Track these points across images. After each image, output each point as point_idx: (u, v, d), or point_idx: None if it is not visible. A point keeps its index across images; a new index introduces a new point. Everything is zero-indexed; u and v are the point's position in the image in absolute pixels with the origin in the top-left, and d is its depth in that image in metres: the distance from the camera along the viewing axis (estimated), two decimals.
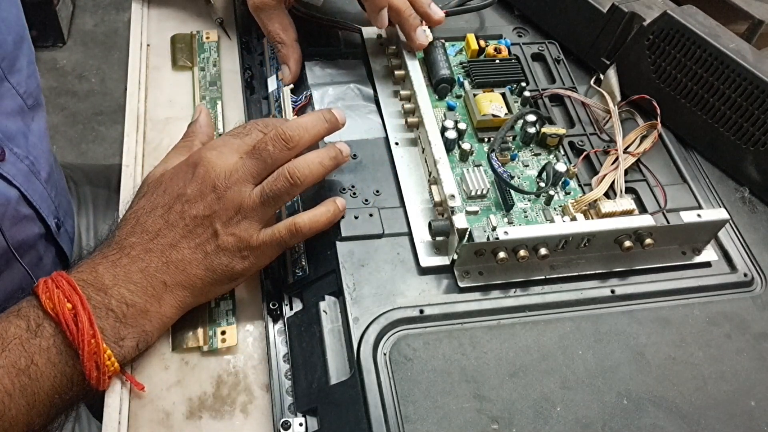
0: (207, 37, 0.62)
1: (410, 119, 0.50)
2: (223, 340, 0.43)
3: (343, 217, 0.44)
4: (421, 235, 0.44)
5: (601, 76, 0.55)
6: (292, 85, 0.53)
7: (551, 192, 0.47)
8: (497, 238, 0.41)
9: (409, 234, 0.45)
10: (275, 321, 0.44)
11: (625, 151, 0.49)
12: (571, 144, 0.51)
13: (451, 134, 0.48)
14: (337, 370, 0.40)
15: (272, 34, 0.53)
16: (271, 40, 0.53)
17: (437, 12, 0.53)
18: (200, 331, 0.44)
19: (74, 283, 0.39)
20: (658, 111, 0.51)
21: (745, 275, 0.46)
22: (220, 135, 0.53)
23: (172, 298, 0.41)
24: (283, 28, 0.52)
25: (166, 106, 0.57)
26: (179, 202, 0.42)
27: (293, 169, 0.42)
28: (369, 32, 0.57)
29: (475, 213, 0.46)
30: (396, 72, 0.53)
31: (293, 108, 0.52)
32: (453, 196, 0.43)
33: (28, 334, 0.38)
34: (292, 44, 0.53)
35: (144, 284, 0.40)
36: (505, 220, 0.46)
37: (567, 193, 0.48)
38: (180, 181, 0.43)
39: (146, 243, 0.41)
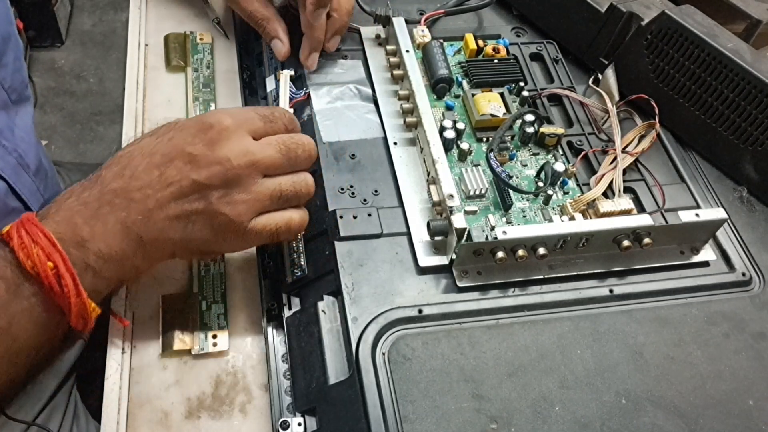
0: (201, 39, 0.61)
1: (409, 119, 0.50)
2: (215, 344, 0.43)
3: (341, 217, 0.44)
4: (420, 235, 0.44)
5: (600, 76, 0.55)
6: (293, 71, 0.53)
7: (550, 192, 0.47)
8: (496, 238, 0.41)
9: (408, 234, 0.45)
10: (274, 321, 0.44)
11: (623, 151, 0.50)
12: (569, 144, 0.51)
13: (450, 134, 0.48)
14: (335, 370, 0.40)
15: (253, 13, 0.52)
16: (254, 20, 0.52)
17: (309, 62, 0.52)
18: (191, 334, 0.43)
19: (53, 238, 0.36)
20: (657, 111, 0.51)
21: (744, 275, 0.46)
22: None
23: (146, 253, 0.39)
24: (263, 4, 0.51)
25: (165, 105, 0.57)
26: (182, 159, 0.39)
27: (313, 186, 0.43)
28: (367, 32, 0.57)
29: (474, 213, 0.46)
30: (394, 71, 0.53)
31: (290, 99, 0.51)
32: (452, 195, 0.43)
33: (8, 295, 0.36)
34: (276, 17, 0.51)
35: (121, 237, 0.38)
36: (504, 219, 0.46)
37: (565, 193, 0.48)
38: (189, 136, 0.39)
39: (132, 192, 0.38)
